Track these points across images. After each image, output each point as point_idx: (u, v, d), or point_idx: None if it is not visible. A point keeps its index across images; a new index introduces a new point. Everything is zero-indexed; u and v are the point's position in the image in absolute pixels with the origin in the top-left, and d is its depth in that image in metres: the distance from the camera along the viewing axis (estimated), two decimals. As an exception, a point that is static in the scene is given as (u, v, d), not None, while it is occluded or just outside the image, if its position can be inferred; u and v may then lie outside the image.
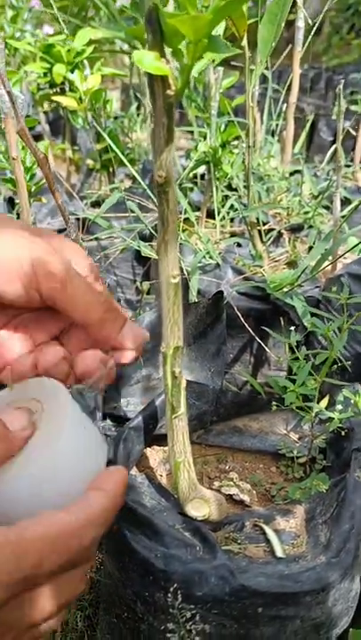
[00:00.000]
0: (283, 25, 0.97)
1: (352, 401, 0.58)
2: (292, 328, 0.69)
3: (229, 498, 0.62)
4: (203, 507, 0.55)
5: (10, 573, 0.32)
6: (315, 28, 1.32)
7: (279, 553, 0.55)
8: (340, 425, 0.61)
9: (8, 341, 0.45)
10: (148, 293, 1.12)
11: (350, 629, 0.56)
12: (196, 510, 0.55)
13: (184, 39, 0.40)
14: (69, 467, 0.39)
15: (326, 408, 0.62)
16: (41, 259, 0.41)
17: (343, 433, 0.61)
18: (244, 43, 0.97)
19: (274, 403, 0.63)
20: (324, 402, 0.62)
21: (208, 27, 0.38)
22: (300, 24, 1.24)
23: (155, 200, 1.14)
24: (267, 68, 1.41)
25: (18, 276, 0.41)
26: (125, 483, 0.40)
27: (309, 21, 1.29)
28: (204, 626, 0.52)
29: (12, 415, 0.40)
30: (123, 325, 0.45)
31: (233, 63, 1.48)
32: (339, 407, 0.60)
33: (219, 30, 1.20)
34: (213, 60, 1.26)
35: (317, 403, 0.61)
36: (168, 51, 0.42)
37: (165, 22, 0.39)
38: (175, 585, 0.51)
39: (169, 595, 0.51)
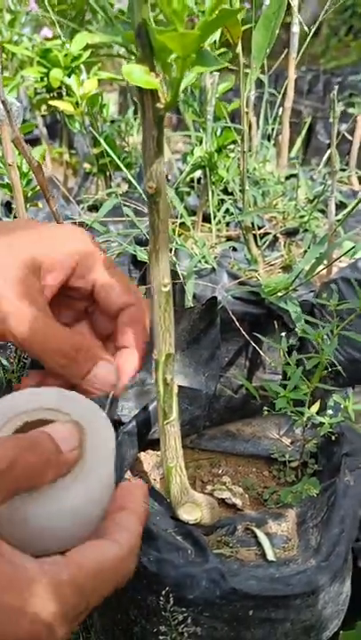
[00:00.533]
0: (277, 31, 0.98)
1: (342, 406, 0.59)
2: (285, 333, 0.69)
3: (222, 502, 0.63)
4: (195, 511, 0.56)
5: (75, 607, 0.33)
6: (313, 31, 1.33)
7: (270, 556, 0.56)
8: (331, 430, 0.61)
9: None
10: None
11: (340, 632, 0.57)
12: (189, 514, 0.56)
13: (173, 54, 0.41)
14: (104, 496, 0.38)
15: (318, 413, 0.63)
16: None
17: (333, 438, 0.62)
18: (239, 49, 0.98)
19: (265, 408, 0.64)
20: (316, 407, 0.62)
21: (196, 42, 0.39)
22: (295, 29, 1.25)
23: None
24: (263, 73, 1.42)
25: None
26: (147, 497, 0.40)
27: (306, 28, 1.30)
28: (196, 628, 0.52)
29: (62, 431, 0.38)
30: (92, 367, 0.44)
31: (230, 67, 1.49)
32: (329, 412, 0.61)
33: (214, 37, 1.21)
34: (209, 65, 1.27)
35: (309, 407, 0.62)
36: (158, 64, 0.43)
37: (154, 38, 0.40)
38: (167, 588, 0.52)
39: (161, 598, 0.52)
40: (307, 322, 0.88)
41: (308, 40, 1.34)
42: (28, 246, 0.45)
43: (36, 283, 0.44)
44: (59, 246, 0.46)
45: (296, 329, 0.80)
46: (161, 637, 0.53)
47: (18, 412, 0.40)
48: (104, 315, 0.49)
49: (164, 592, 0.52)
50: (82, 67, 1.34)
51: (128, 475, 0.64)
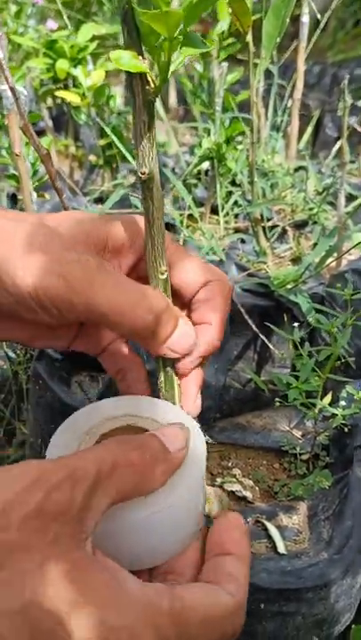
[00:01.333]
0: (288, 20, 0.97)
1: (356, 397, 0.58)
2: (296, 325, 0.69)
3: (232, 494, 0.62)
4: (205, 503, 0.55)
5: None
6: (322, 24, 1.31)
7: (281, 549, 0.55)
8: (344, 422, 0.61)
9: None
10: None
11: (353, 626, 0.56)
12: (199, 506, 0.55)
13: (160, 37, 0.40)
14: (199, 504, 0.37)
15: (330, 405, 0.62)
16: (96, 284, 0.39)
17: (346, 429, 0.61)
18: (249, 38, 0.96)
19: (277, 399, 0.63)
20: (328, 398, 0.61)
21: (181, 23, 0.38)
22: (305, 19, 1.23)
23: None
24: (272, 63, 1.40)
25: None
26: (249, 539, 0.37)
27: (318, 16, 1.28)
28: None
29: (171, 432, 0.37)
30: (173, 330, 0.42)
31: (239, 57, 1.48)
32: (342, 403, 0.60)
33: (223, 26, 1.20)
34: (218, 56, 1.25)
35: (321, 399, 0.61)
36: (145, 48, 0.42)
37: (140, 21, 0.39)
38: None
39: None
40: (318, 314, 0.87)
41: (317, 33, 1.32)
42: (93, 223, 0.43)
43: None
44: (126, 230, 0.45)
45: (308, 319, 0.79)
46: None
47: (101, 420, 0.40)
48: (177, 299, 0.46)
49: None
50: (88, 58, 1.33)
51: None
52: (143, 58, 0.40)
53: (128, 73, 0.41)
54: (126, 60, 0.39)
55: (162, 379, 0.51)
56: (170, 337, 0.42)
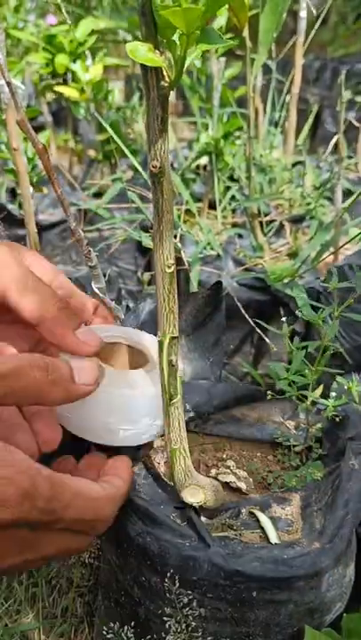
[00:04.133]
0: (284, 15, 0.97)
1: (346, 388, 0.59)
2: (286, 318, 0.69)
3: (226, 485, 0.63)
4: (198, 493, 0.56)
5: (46, 501, 0.37)
6: (320, 19, 1.31)
7: (273, 539, 0.56)
8: (335, 413, 0.61)
9: None
10: (149, 284, 1.13)
11: (344, 615, 0.57)
12: (192, 496, 0.56)
13: (177, 31, 0.40)
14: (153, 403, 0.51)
15: (322, 397, 0.63)
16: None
17: (338, 420, 0.62)
18: (246, 33, 0.97)
19: (269, 392, 0.64)
20: (319, 390, 0.62)
21: (201, 19, 0.38)
22: (303, 14, 1.23)
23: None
24: (270, 59, 1.41)
25: None
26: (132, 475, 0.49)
27: (313, 11, 1.28)
28: (200, 610, 0.53)
29: (86, 366, 0.44)
30: (76, 327, 0.49)
31: (238, 53, 1.48)
32: (333, 394, 0.61)
33: (221, 21, 1.20)
34: (216, 51, 1.25)
35: (313, 391, 0.62)
36: (162, 41, 0.43)
37: (158, 14, 0.39)
38: (172, 570, 0.52)
39: (166, 580, 0.52)
40: (312, 308, 0.88)
41: (315, 27, 1.32)
42: None
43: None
44: None
45: (299, 314, 0.80)
46: (165, 619, 0.54)
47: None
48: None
49: (169, 574, 0.52)
50: (87, 52, 1.34)
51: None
52: (160, 51, 0.40)
53: (143, 66, 0.41)
54: (143, 52, 0.39)
55: (165, 372, 0.51)
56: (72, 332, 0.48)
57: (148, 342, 0.58)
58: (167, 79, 0.42)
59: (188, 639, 0.53)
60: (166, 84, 0.42)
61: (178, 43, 0.41)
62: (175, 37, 0.41)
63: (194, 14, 0.37)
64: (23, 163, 0.89)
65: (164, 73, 0.42)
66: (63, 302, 0.46)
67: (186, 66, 0.42)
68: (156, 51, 0.41)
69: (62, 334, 0.46)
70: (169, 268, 0.49)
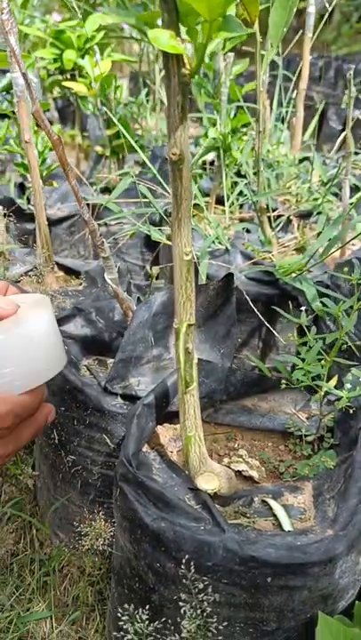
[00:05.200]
0: (294, 10, 0.98)
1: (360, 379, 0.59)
2: (303, 308, 0.70)
3: (238, 474, 0.63)
4: (213, 480, 0.56)
5: None
6: (326, 16, 1.32)
7: (287, 526, 0.56)
8: (349, 404, 0.62)
9: None
10: (157, 278, 1.13)
11: (356, 602, 0.58)
12: (207, 483, 0.56)
13: (199, 18, 0.41)
14: (40, 345, 0.47)
15: (335, 388, 0.63)
16: None
17: (351, 411, 0.62)
18: (256, 27, 0.97)
19: (283, 381, 0.65)
20: (334, 381, 0.63)
21: (223, 5, 0.39)
22: (311, 10, 1.23)
23: (165, 185, 1.15)
24: (278, 54, 1.41)
25: None
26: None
27: (327, 7, 1.28)
28: (215, 595, 0.53)
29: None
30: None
31: (244, 48, 1.48)
32: (348, 386, 0.61)
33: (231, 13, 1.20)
34: (223, 47, 1.26)
35: (327, 382, 0.62)
36: (183, 30, 0.43)
37: (181, 1, 0.40)
38: (187, 556, 0.53)
39: (182, 566, 0.53)
40: (322, 301, 0.88)
41: (321, 26, 1.33)
42: None
43: None
44: None
45: (313, 306, 0.80)
46: (181, 604, 0.54)
47: None
48: None
49: (184, 560, 0.52)
50: (95, 48, 1.34)
51: (146, 447, 0.64)
52: (181, 39, 0.41)
53: (165, 54, 0.41)
54: (165, 40, 0.40)
55: (181, 359, 0.52)
56: None
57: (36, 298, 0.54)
58: (188, 67, 0.43)
59: (204, 624, 0.54)
60: (187, 72, 0.43)
61: (200, 30, 0.41)
62: (196, 25, 0.42)
63: (217, 0, 0.38)
64: (35, 156, 0.90)
65: (185, 60, 0.43)
66: None
67: (207, 54, 0.42)
68: (178, 38, 0.42)
69: None
70: (187, 255, 0.49)
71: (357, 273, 0.59)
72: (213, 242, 1.05)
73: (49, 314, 0.49)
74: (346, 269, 0.61)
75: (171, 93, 0.44)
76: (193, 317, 0.52)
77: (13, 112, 1.23)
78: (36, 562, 0.79)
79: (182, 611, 0.54)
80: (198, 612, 0.54)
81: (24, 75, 0.66)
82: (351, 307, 0.62)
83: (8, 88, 1.27)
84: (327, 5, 1.21)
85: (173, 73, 0.43)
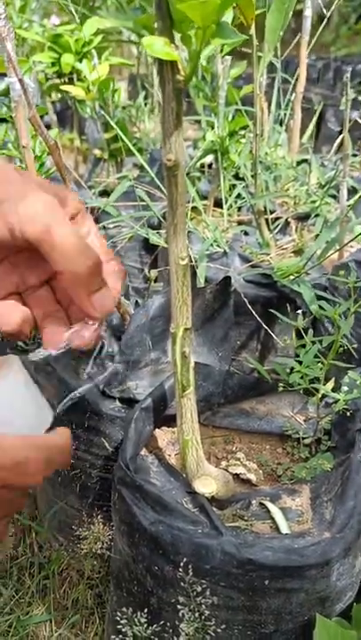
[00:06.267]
0: (291, 14, 0.98)
1: (358, 382, 0.60)
2: (293, 314, 0.70)
3: (236, 477, 0.63)
4: (210, 483, 0.57)
5: None
6: (326, 19, 1.32)
7: (284, 529, 0.57)
8: (346, 406, 0.62)
9: None
10: (155, 281, 1.14)
11: (354, 604, 0.58)
12: (204, 486, 0.57)
13: (193, 25, 0.41)
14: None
15: (332, 390, 0.63)
16: (29, 199, 0.37)
17: (349, 414, 0.63)
18: (252, 32, 0.97)
19: (281, 384, 0.65)
20: (331, 384, 0.63)
21: (216, 12, 0.39)
22: (308, 13, 1.24)
23: (162, 188, 1.15)
24: (276, 56, 1.41)
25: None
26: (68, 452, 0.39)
27: (325, 11, 1.29)
28: (213, 598, 0.53)
29: None
30: (97, 290, 0.41)
31: (243, 49, 1.49)
32: (345, 389, 0.61)
33: (227, 18, 1.20)
34: (222, 50, 1.26)
35: (324, 385, 0.63)
36: (177, 37, 0.43)
37: (175, 8, 0.40)
38: (185, 559, 0.53)
39: (180, 569, 0.53)
40: (322, 302, 0.89)
41: (320, 29, 1.33)
42: None
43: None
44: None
45: (311, 309, 0.80)
46: (179, 607, 0.54)
47: None
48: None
49: (182, 563, 0.53)
50: (93, 52, 1.35)
51: (144, 451, 0.64)
52: (175, 46, 0.41)
53: (159, 61, 0.41)
54: (159, 46, 0.39)
55: (178, 363, 0.52)
56: (95, 293, 0.41)
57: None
58: (182, 73, 0.43)
59: (202, 627, 0.54)
60: (182, 78, 0.43)
61: (193, 37, 0.42)
62: (190, 32, 0.42)
63: (210, 8, 0.38)
64: (32, 160, 0.90)
65: (180, 67, 0.43)
66: (94, 265, 0.39)
67: (200, 61, 0.42)
68: (172, 45, 0.42)
69: (77, 293, 0.41)
70: (183, 260, 0.49)
71: (354, 276, 0.59)
72: (211, 244, 1.05)
73: (14, 375, 0.43)
74: (343, 272, 0.61)
75: (165, 99, 0.44)
76: (190, 321, 0.52)
77: (11, 116, 1.24)
78: (36, 565, 0.79)
79: (181, 614, 0.54)
80: (196, 614, 0.54)
81: (20, 80, 0.66)
82: (349, 309, 0.62)
83: (6, 93, 1.28)
84: (324, 11, 1.21)
85: (168, 79, 0.43)
